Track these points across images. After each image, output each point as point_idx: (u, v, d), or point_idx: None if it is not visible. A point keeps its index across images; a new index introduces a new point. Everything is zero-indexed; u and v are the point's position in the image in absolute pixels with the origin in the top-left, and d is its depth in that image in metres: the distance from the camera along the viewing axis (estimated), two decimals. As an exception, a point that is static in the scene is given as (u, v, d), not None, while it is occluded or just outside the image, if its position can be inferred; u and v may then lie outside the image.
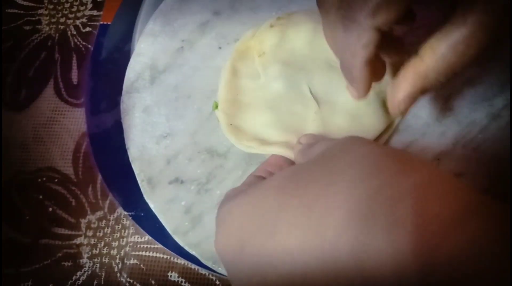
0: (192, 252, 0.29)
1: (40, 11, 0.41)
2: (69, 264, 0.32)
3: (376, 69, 0.26)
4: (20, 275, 0.32)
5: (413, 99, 0.25)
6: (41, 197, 0.34)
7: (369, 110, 0.30)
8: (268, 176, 0.25)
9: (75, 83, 0.38)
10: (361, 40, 0.23)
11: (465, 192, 0.17)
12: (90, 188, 0.34)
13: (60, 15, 0.41)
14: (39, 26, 0.40)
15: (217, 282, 0.31)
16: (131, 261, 0.32)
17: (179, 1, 0.36)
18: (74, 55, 0.39)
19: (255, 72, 0.32)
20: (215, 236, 0.22)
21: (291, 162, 0.28)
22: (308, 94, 0.30)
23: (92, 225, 0.33)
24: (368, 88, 0.25)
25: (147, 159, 0.32)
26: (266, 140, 0.30)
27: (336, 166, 0.19)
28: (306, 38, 0.32)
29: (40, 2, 0.41)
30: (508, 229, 0.14)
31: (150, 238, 0.32)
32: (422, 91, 0.25)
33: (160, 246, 0.32)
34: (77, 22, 0.40)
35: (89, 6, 0.41)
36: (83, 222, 0.33)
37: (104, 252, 0.32)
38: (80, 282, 0.32)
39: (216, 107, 0.32)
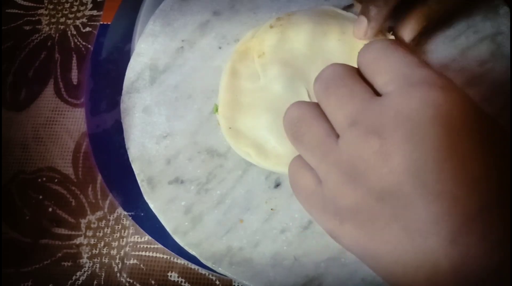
0: (192, 252, 0.29)
1: (40, 11, 0.41)
2: (69, 264, 0.32)
3: None
4: (20, 275, 0.32)
5: (416, 37, 0.32)
6: (41, 197, 0.34)
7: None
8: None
9: (75, 83, 0.38)
10: None
11: None
12: (90, 188, 0.34)
13: (60, 15, 0.41)
14: (39, 26, 0.40)
15: (217, 282, 0.31)
16: (131, 261, 0.32)
17: (179, 1, 0.36)
18: (74, 55, 0.39)
19: (255, 73, 0.32)
20: None
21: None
22: (306, 97, 0.30)
23: (92, 225, 0.33)
24: (378, 30, 0.31)
25: (147, 159, 0.32)
26: (263, 145, 0.30)
27: None
28: (306, 39, 0.32)
29: (40, 2, 0.41)
30: None
31: (150, 238, 0.32)
32: (423, 29, 0.32)
33: (160, 246, 0.32)
34: (77, 22, 0.40)
35: (89, 6, 0.41)
36: (83, 222, 0.33)
37: (104, 252, 0.32)
38: (80, 282, 0.32)
39: (217, 110, 0.32)
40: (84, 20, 0.40)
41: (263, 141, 0.30)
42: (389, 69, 0.21)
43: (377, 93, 0.21)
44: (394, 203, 0.18)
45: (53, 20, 0.40)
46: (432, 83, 0.19)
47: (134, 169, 0.32)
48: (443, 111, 0.18)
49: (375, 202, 0.19)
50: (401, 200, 0.18)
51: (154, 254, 0.32)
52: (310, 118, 0.22)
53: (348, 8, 0.34)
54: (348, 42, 0.31)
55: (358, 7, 0.33)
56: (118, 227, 0.33)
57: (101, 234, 0.33)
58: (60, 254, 0.33)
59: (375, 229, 0.19)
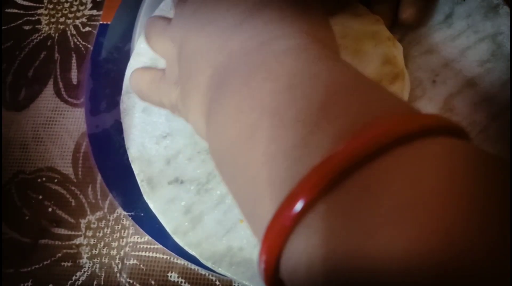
0: (192, 252, 0.29)
1: (39, 11, 0.41)
2: (69, 264, 0.32)
3: None
4: (20, 275, 0.32)
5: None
6: (40, 197, 0.34)
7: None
8: None
9: (74, 83, 0.38)
10: None
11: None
12: (89, 188, 0.34)
13: (59, 14, 0.41)
14: (39, 26, 0.40)
15: (217, 283, 0.31)
16: (131, 262, 0.32)
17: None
18: (74, 55, 0.39)
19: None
20: None
21: None
22: None
23: (92, 226, 0.33)
24: None
25: (147, 159, 0.32)
26: None
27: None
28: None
29: (39, 2, 0.41)
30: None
31: (150, 238, 0.32)
32: None
33: (160, 246, 0.32)
34: (77, 22, 0.40)
35: (89, 5, 0.40)
36: (83, 222, 0.33)
37: (104, 252, 0.32)
38: (80, 282, 0.32)
39: None
40: (84, 20, 0.40)
41: None
42: None
43: None
44: (189, 66, 0.21)
45: (52, 20, 0.40)
46: None
47: (134, 169, 0.32)
48: None
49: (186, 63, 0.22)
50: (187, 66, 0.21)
51: (154, 254, 0.32)
52: (156, 19, 0.27)
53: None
54: (349, 46, 0.31)
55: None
56: (118, 227, 0.33)
57: (101, 234, 0.33)
58: (60, 254, 0.33)
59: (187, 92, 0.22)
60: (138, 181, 0.31)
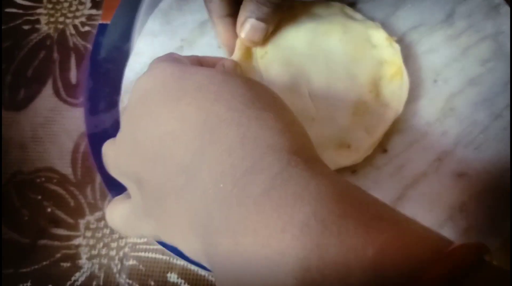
0: (192, 253, 0.29)
1: (39, 11, 0.41)
2: (68, 265, 0.32)
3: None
4: (19, 276, 0.32)
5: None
6: (39, 197, 0.34)
7: (368, 108, 0.29)
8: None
9: (73, 82, 0.38)
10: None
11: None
12: (89, 189, 0.34)
13: (59, 14, 0.40)
14: (38, 26, 0.40)
15: (217, 284, 0.31)
16: (130, 262, 0.32)
17: (178, 0, 0.36)
18: (73, 55, 0.39)
19: (257, 73, 0.32)
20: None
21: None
22: (306, 98, 0.30)
23: (91, 226, 0.33)
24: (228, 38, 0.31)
25: (146, 159, 0.32)
26: None
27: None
28: (306, 37, 0.32)
29: (39, 2, 0.41)
30: None
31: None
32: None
33: (159, 246, 0.32)
34: (76, 21, 0.40)
35: (88, 5, 0.40)
36: (82, 222, 0.33)
37: (103, 253, 0.32)
38: (79, 283, 0.31)
39: None
40: (83, 19, 0.40)
41: None
42: None
43: None
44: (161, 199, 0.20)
45: (52, 20, 0.40)
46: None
47: (133, 169, 0.32)
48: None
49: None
50: (162, 198, 0.19)
51: (153, 255, 0.32)
52: (105, 148, 0.25)
53: (352, 5, 0.34)
54: (349, 42, 0.31)
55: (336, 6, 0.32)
56: (117, 228, 0.33)
57: (100, 234, 0.33)
58: (59, 255, 0.32)
59: (164, 217, 0.20)
60: (137, 181, 0.31)
